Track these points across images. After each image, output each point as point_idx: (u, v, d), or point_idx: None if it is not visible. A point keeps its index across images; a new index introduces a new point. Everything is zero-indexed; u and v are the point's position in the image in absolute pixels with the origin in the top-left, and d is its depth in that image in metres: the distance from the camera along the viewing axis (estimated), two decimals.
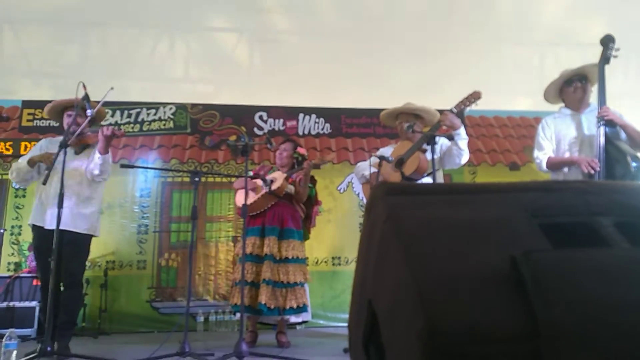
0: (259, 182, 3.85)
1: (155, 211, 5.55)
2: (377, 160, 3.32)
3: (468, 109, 3.19)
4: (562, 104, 3.33)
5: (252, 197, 3.81)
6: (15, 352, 3.01)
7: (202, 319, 5.12)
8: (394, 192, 0.78)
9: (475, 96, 3.13)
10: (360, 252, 0.93)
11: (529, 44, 5.20)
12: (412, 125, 3.20)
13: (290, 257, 3.70)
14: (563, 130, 3.19)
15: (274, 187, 3.76)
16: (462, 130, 3.21)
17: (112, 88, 3.08)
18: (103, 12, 4.32)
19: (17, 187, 5.47)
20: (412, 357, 0.63)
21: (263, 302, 3.50)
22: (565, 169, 3.13)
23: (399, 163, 3.34)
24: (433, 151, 2.92)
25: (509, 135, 6.29)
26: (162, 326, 5.11)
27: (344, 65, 5.21)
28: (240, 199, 3.91)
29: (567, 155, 3.13)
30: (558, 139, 3.19)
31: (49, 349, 2.73)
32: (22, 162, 3.34)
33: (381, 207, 0.78)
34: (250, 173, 4.02)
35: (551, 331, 0.59)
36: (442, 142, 3.33)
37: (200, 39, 4.88)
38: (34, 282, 4.63)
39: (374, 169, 3.41)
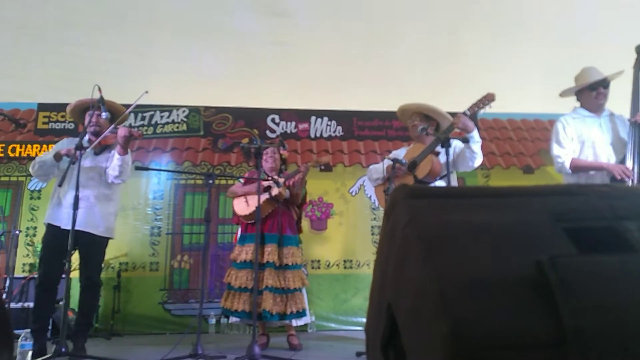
0: (253, 188, 3.83)
1: (168, 213, 5.59)
2: (390, 162, 3.30)
3: (482, 111, 3.16)
4: (578, 104, 3.29)
5: (250, 208, 3.83)
6: (30, 352, 3.04)
7: (213, 321, 5.14)
8: (416, 195, 0.78)
9: (488, 98, 3.10)
10: (380, 255, 0.92)
11: (543, 45, 5.14)
12: (425, 128, 3.18)
13: (290, 264, 3.75)
14: (585, 132, 3.14)
15: (274, 192, 3.78)
16: (475, 133, 3.18)
17: (146, 92, 3.11)
18: (116, 16, 4.35)
19: (32, 188, 5.54)
20: None
21: (267, 309, 3.56)
22: (592, 173, 3.08)
23: (412, 166, 3.32)
24: (448, 154, 2.89)
25: (522, 138, 6.24)
26: (174, 328, 5.13)
27: (356, 68, 5.20)
28: (240, 207, 3.94)
29: (590, 158, 3.09)
30: (581, 140, 3.14)
31: (63, 349, 2.75)
32: (47, 155, 3.34)
33: (402, 210, 0.77)
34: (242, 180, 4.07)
35: (579, 338, 0.58)
36: (455, 144, 3.30)
37: (212, 41, 4.89)
38: None
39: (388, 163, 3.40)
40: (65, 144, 3.48)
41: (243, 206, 3.91)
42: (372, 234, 5.74)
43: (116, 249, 5.20)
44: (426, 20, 4.53)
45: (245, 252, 3.76)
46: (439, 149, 3.23)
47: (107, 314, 4.99)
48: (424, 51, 4.95)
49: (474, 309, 0.61)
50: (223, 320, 5.12)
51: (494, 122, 6.33)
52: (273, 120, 5.99)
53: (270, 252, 3.70)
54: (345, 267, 5.62)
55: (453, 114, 3.24)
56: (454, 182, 3.31)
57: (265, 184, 3.80)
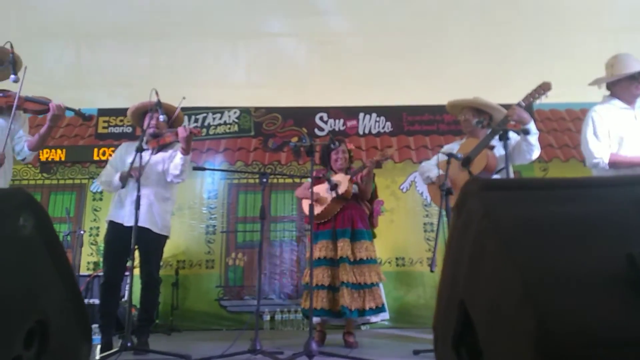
0: (322, 191, 3.80)
1: (222, 212, 5.74)
2: (445, 157, 3.22)
3: (538, 101, 3.03)
4: (608, 93, 3.07)
5: (320, 207, 3.80)
6: (99, 347, 3.20)
7: (268, 317, 5.22)
8: (490, 187, 0.75)
9: (544, 87, 2.96)
10: (450, 251, 0.90)
11: (602, 30, 4.89)
12: (481, 121, 3.08)
13: (364, 259, 3.67)
14: (623, 126, 2.90)
15: (340, 191, 3.74)
16: (532, 125, 3.06)
17: (184, 98, 3.25)
18: (170, 24, 4.50)
19: (94, 190, 5.82)
20: (521, 359, 0.60)
21: (346, 305, 3.49)
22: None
23: (466, 162, 3.23)
24: (506, 147, 2.79)
25: None
26: (230, 324, 5.26)
27: (404, 62, 5.14)
28: (308, 208, 3.90)
29: (631, 154, 2.88)
30: (619, 135, 2.89)
31: (129, 344, 2.86)
32: (114, 177, 3.43)
33: (476, 203, 0.75)
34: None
35: None
36: (510, 137, 3.18)
37: (260, 44, 4.98)
38: None
39: (440, 171, 3.30)
40: (124, 149, 3.62)
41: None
42: (425, 231, 5.65)
43: (174, 247, 5.39)
44: (477, 10, 4.42)
45: (318, 250, 3.72)
46: (494, 142, 3.14)
47: (167, 310, 5.18)
48: (475, 42, 4.83)
49: (562, 304, 0.59)
50: (277, 316, 5.19)
51: (550, 112, 6.08)
52: (321, 118, 6.01)
53: (342, 247, 3.66)
54: (397, 265, 5.56)
55: (507, 106, 3.13)
56: (511, 177, 3.20)
57: (326, 185, 3.78)
